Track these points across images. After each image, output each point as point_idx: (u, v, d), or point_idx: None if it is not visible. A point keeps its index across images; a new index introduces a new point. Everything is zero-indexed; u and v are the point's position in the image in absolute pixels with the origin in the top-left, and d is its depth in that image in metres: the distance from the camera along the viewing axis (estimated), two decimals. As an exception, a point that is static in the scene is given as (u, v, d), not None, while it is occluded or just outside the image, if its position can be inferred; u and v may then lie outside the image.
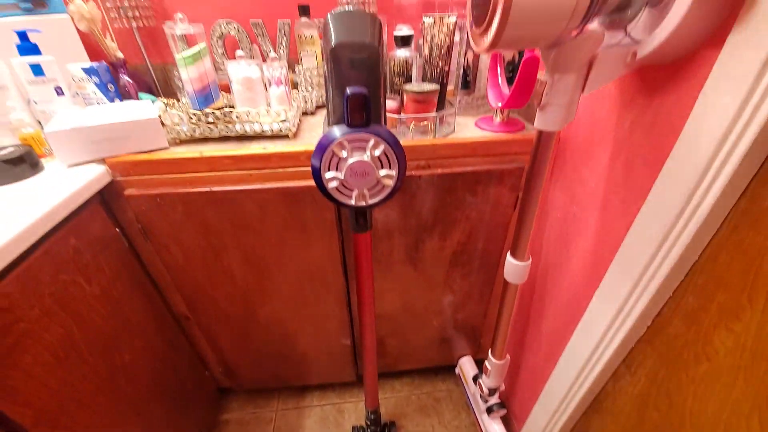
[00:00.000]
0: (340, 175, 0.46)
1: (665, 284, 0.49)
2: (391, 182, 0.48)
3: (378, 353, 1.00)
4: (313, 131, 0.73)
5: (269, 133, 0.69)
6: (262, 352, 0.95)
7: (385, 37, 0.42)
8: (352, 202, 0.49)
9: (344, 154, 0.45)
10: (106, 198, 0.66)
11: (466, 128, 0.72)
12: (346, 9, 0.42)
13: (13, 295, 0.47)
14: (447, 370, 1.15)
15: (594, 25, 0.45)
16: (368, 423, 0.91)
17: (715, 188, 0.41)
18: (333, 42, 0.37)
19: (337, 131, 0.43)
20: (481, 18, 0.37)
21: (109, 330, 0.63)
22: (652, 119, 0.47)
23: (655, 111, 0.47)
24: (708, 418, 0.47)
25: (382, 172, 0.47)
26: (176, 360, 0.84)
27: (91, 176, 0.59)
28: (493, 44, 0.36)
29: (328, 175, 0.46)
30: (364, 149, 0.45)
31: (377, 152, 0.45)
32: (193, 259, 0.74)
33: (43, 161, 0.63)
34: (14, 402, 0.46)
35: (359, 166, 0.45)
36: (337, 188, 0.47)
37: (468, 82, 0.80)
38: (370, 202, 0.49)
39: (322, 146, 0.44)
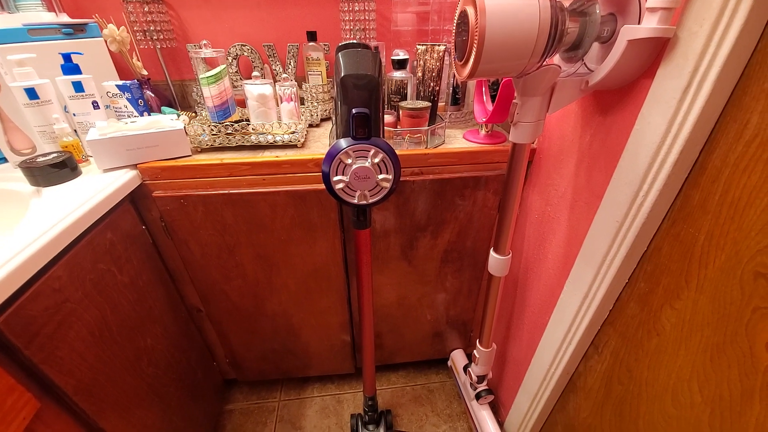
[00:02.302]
0: (346, 179, 0.55)
1: (621, 272, 0.58)
2: (388, 184, 0.56)
3: (375, 346, 1.07)
4: (319, 141, 0.82)
5: (280, 143, 0.78)
6: (267, 345, 1.02)
7: (383, 68, 0.52)
8: (355, 201, 0.58)
9: (349, 161, 0.54)
10: (135, 198, 0.74)
11: (455, 140, 0.82)
12: (352, 42, 0.51)
13: (63, 278, 0.55)
14: (440, 363, 1.23)
15: (556, 58, 0.55)
16: (366, 410, 0.97)
17: (654, 189, 0.50)
18: (342, 73, 0.47)
19: (344, 143, 0.52)
20: (461, 54, 0.47)
21: (135, 315, 0.71)
22: (605, 133, 0.57)
23: (608, 127, 0.56)
24: (659, 385, 0.55)
25: (381, 176, 0.56)
26: (189, 349, 0.91)
27: (126, 179, 0.68)
28: (471, 75, 0.46)
29: (335, 178, 0.55)
30: (366, 157, 0.54)
31: (376, 160, 0.54)
32: (209, 255, 0.82)
33: (80, 166, 0.71)
34: (60, 370, 0.53)
35: (362, 171, 0.54)
36: (342, 189, 0.56)
37: (457, 99, 0.89)
38: (371, 201, 0.58)
39: (331, 155, 0.53)
